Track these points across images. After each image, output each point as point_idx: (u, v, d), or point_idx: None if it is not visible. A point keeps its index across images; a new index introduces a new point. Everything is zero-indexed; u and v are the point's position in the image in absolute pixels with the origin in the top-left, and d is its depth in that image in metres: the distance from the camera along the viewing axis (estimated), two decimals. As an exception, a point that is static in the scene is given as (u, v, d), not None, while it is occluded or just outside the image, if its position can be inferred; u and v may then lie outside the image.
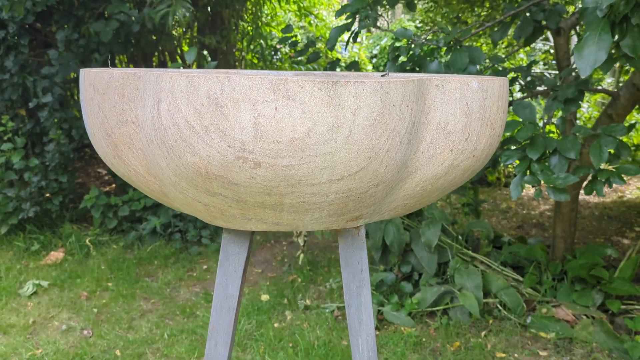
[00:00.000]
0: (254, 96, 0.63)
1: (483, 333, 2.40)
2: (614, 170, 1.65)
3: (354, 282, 0.80)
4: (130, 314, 2.60)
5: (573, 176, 1.59)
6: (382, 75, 0.93)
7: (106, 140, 0.73)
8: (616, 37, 1.35)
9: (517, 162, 1.74)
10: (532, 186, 1.53)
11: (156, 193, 0.76)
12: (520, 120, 1.73)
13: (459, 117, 0.74)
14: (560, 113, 2.48)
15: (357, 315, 0.79)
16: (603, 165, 1.71)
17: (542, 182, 1.66)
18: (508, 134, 2.93)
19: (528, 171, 1.71)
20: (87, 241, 3.28)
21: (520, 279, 2.71)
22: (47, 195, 3.34)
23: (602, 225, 3.85)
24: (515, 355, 2.26)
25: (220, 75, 0.63)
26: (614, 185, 4.62)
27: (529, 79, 2.09)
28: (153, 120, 0.67)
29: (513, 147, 1.79)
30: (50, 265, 3.09)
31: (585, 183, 1.97)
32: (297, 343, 2.32)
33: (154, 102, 0.66)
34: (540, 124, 3.52)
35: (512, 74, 2.09)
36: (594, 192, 1.70)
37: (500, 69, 2.04)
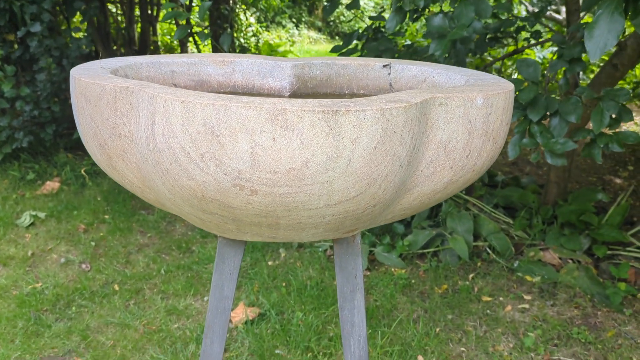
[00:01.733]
0: (251, 126, 0.61)
1: (471, 276, 2.47)
2: (613, 135, 1.64)
3: (347, 286, 0.81)
4: (127, 247, 2.65)
5: (572, 142, 1.58)
6: (384, 66, 0.90)
7: (99, 151, 0.71)
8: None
9: (519, 120, 1.72)
10: (530, 149, 1.52)
11: (152, 201, 0.75)
12: (523, 79, 1.69)
13: (461, 134, 0.72)
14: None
15: (350, 318, 0.81)
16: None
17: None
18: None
19: (527, 132, 1.69)
20: (82, 171, 3.29)
21: (511, 222, 2.75)
22: (40, 122, 3.30)
23: (595, 163, 3.87)
24: (501, 299, 2.34)
25: (217, 103, 0.60)
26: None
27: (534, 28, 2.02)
28: (147, 140, 0.65)
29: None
30: (47, 195, 3.11)
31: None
32: (290, 282, 2.39)
33: (147, 122, 0.64)
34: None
35: (520, 22, 2.03)
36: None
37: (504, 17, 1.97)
